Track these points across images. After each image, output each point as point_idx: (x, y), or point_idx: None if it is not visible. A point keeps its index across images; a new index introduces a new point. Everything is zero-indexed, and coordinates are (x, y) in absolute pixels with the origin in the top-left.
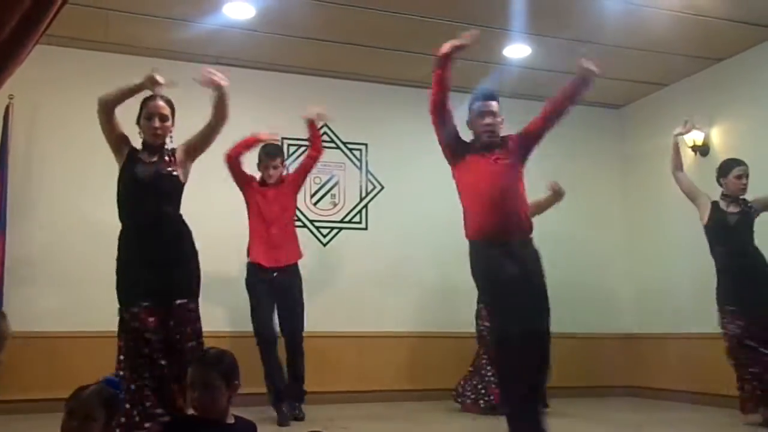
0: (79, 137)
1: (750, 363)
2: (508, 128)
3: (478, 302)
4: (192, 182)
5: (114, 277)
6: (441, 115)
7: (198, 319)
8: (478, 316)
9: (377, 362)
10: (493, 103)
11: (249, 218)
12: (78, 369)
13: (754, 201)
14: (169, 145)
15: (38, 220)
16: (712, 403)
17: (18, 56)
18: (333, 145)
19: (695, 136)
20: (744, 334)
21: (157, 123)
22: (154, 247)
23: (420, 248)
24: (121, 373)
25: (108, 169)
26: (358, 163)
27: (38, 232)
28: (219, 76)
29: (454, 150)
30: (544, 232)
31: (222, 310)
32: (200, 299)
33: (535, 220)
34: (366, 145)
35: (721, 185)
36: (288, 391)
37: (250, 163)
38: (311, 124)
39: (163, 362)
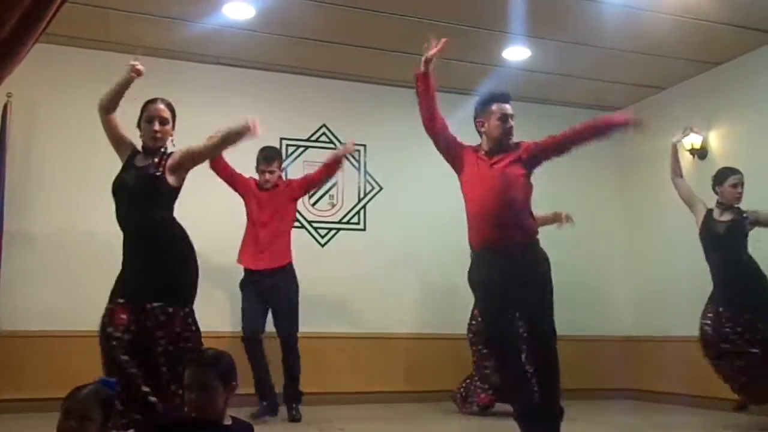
0: (78, 137)
1: (732, 358)
2: None
3: (474, 306)
4: (192, 183)
5: (111, 277)
6: (432, 128)
7: (180, 323)
8: (471, 318)
9: (375, 363)
10: (509, 106)
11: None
12: (74, 368)
13: (749, 212)
14: (170, 149)
15: (36, 219)
16: (711, 406)
17: (17, 55)
18: (332, 146)
19: (693, 140)
20: (723, 333)
21: (156, 126)
22: (138, 249)
23: (418, 249)
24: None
25: (107, 169)
26: (356, 164)
27: (36, 231)
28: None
29: (453, 158)
30: (543, 234)
31: (221, 311)
32: (201, 300)
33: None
34: (364, 146)
35: (716, 193)
36: (285, 393)
37: (248, 167)
38: (340, 157)
39: (125, 357)
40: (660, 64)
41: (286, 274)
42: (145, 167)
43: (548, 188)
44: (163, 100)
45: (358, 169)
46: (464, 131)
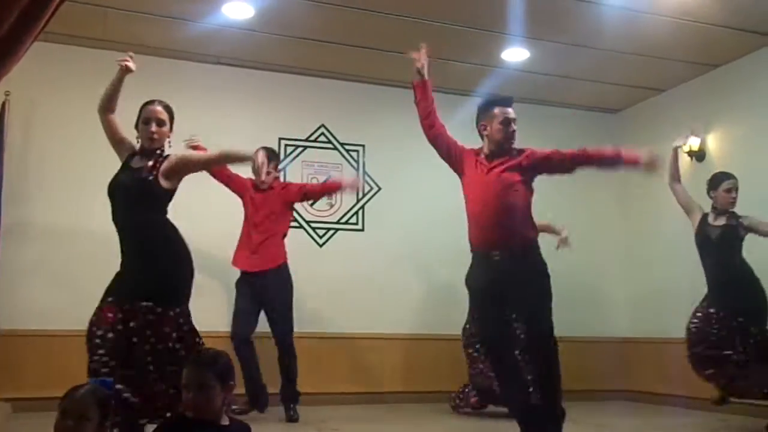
0: (76, 135)
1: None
2: None
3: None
4: (194, 182)
5: (110, 276)
6: (433, 135)
7: (170, 324)
8: (467, 321)
9: (372, 364)
10: (512, 110)
11: None
12: (73, 368)
13: (744, 217)
14: (168, 150)
15: (35, 219)
16: (708, 408)
17: (16, 53)
18: (330, 146)
19: (692, 142)
20: (708, 333)
21: (153, 127)
22: (130, 250)
23: (417, 250)
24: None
25: (106, 168)
26: (355, 164)
27: (35, 230)
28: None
29: (455, 162)
30: (540, 236)
31: (219, 311)
32: (200, 299)
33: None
34: (363, 146)
35: (711, 198)
36: (281, 393)
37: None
38: (341, 187)
39: (105, 359)
40: (659, 66)
41: (280, 274)
42: (139, 169)
43: (546, 190)
44: (160, 102)
45: (357, 170)
46: (464, 133)
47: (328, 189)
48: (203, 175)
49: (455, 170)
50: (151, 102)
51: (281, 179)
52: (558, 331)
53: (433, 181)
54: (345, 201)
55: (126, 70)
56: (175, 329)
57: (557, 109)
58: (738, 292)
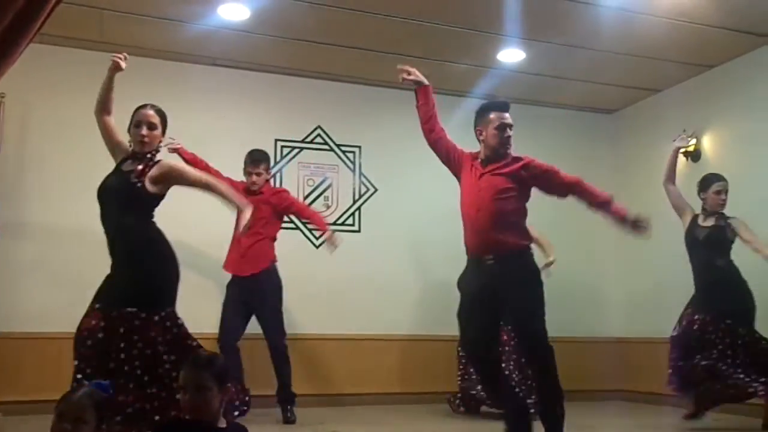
0: (72, 137)
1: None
2: None
3: None
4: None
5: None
6: (433, 140)
7: (156, 328)
8: None
9: (369, 365)
10: (509, 116)
11: None
12: (68, 371)
13: (733, 219)
14: (160, 155)
15: (32, 220)
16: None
17: (11, 55)
18: (326, 147)
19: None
20: (695, 338)
21: (144, 131)
22: (114, 253)
23: (413, 251)
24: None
25: (102, 169)
26: (351, 166)
27: (30, 232)
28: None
29: (454, 166)
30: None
31: (215, 313)
32: (196, 301)
33: (529, 225)
34: (359, 147)
35: (701, 199)
36: (278, 395)
37: (237, 171)
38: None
39: (82, 366)
40: (654, 66)
41: (269, 277)
42: (129, 173)
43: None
44: (153, 106)
45: (353, 171)
46: (460, 134)
47: (312, 222)
48: None
49: (454, 174)
50: (143, 106)
51: (276, 180)
52: (555, 332)
53: (429, 183)
54: (341, 202)
55: (116, 69)
56: (161, 333)
57: (553, 110)
58: (725, 293)
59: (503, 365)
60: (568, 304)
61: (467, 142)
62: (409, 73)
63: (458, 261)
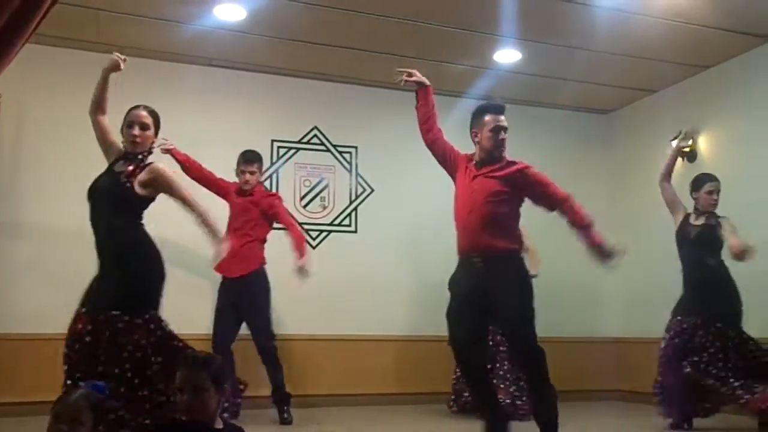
0: (69, 137)
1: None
2: None
3: None
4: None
5: None
6: (431, 140)
7: (140, 331)
8: None
9: (365, 365)
10: (504, 118)
11: None
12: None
13: (723, 218)
14: (152, 156)
15: (28, 221)
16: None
17: (7, 55)
18: (323, 147)
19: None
20: (682, 347)
21: (136, 131)
22: (99, 255)
23: (409, 251)
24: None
25: (98, 169)
26: (348, 166)
27: (26, 232)
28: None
29: (450, 167)
30: (532, 237)
31: (210, 314)
32: (194, 302)
33: (525, 225)
34: (356, 148)
35: (693, 198)
36: (272, 397)
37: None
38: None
39: (71, 371)
40: (650, 67)
41: (257, 279)
42: (119, 173)
43: None
44: (146, 107)
45: (350, 171)
46: (456, 134)
47: (294, 242)
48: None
49: (450, 175)
50: (136, 107)
51: (273, 181)
52: (550, 332)
53: (425, 183)
54: (338, 203)
55: (113, 68)
56: (145, 336)
57: (549, 110)
58: (715, 293)
59: (497, 365)
60: (564, 304)
61: (463, 143)
62: (410, 75)
63: (454, 262)
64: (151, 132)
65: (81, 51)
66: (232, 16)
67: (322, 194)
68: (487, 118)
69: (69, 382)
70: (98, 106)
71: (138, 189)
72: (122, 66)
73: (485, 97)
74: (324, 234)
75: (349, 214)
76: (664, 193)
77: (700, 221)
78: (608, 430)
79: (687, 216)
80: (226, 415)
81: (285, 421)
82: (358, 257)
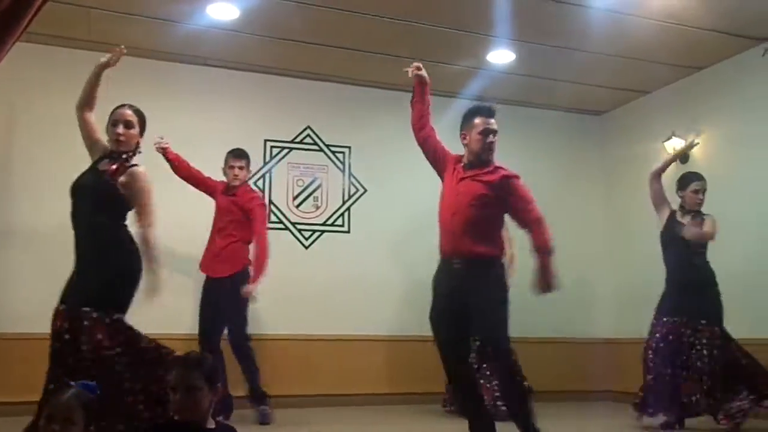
0: (60, 137)
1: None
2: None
3: None
4: (180, 185)
5: None
6: (422, 137)
7: (104, 332)
8: None
9: (358, 365)
10: (494, 121)
11: None
12: None
13: (708, 216)
14: (137, 158)
15: (21, 220)
16: None
17: None
18: (316, 147)
19: (676, 144)
20: (667, 344)
21: (121, 129)
22: (77, 252)
23: (402, 251)
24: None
25: None
26: (341, 166)
27: (20, 232)
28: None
29: (439, 167)
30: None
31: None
32: (181, 301)
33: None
34: (349, 148)
35: (679, 197)
36: (250, 399)
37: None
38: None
39: (52, 367)
40: (643, 68)
41: (241, 280)
42: (103, 172)
43: (531, 190)
44: (131, 106)
45: (343, 171)
46: (449, 135)
47: (256, 247)
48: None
49: (439, 174)
50: (121, 105)
51: (266, 181)
52: (543, 333)
53: (418, 183)
54: (331, 203)
55: (108, 65)
56: (107, 337)
57: (543, 111)
58: (702, 293)
59: (484, 365)
60: (557, 305)
61: (456, 144)
62: (419, 68)
63: None
64: (135, 131)
65: (72, 49)
66: (225, 15)
67: (315, 194)
68: (477, 120)
69: (51, 386)
70: (87, 103)
71: (120, 189)
72: (114, 58)
73: (479, 98)
74: (317, 234)
75: (342, 214)
76: (652, 188)
77: (687, 220)
78: (600, 430)
79: (673, 214)
80: (220, 418)
81: (263, 421)
82: (351, 257)
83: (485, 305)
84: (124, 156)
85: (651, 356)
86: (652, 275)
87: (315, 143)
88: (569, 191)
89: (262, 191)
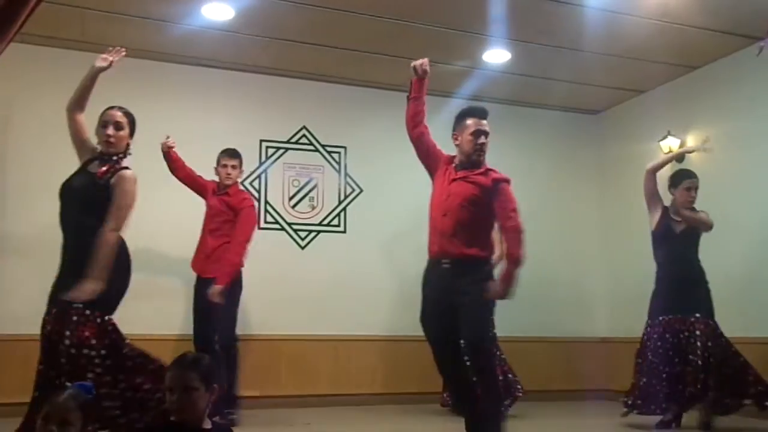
0: (55, 137)
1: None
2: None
3: None
4: (174, 184)
5: None
6: (416, 134)
7: (90, 328)
8: None
9: (354, 365)
10: (486, 122)
11: None
12: None
13: (701, 212)
14: (127, 160)
15: (15, 221)
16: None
17: None
18: (312, 147)
19: (671, 143)
20: (665, 343)
21: (110, 131)
22: (65, 254)
23: (399, 251)
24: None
25: None
26: (336, 166)
27: (14, 233)
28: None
29: (430, 165)
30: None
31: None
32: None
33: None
34: (345, 148)
35: (672, 194)
36: (223, 400)
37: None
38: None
39: (41, 367)
40: (639, 67)
41: (233, 282)
42: (94, 174)
43: (527, 191)
44: (120, 108)
45: (339, 171)
46: (445, 135)
47: (231, 248)
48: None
49: (430, 173)
50: (111, 107)
51: (261, 181)
52: (538, 332)
53: (414, 183)
54: (327, 203)
55: (104, 69)
56: (95, 335)
57: (538, 111)
58: (697, 290)
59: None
60: (552, 304)
61: (451, 144)
62: (425, 63)
63: None
64: (125, 132)
65: (66, 50)
66: (220, 16)
67: (310, 194)
68: (469, 121)
69: (35, 395)
70: (78, 104)
71: (109, 190)
72: (108, 59)
73: (474, 97)
74: (313, 234)
75: (338, 215)
76: (647, 183)
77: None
78: (595, 428)
79: (666, 210)
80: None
81: (232, 424)
82: (347, 257)
83: (471, 304)
84: (114, 158)
85: (649, 357)
86: (648, 274)
87: (311, 143)
88: (565, 190)
89: (258, 191)
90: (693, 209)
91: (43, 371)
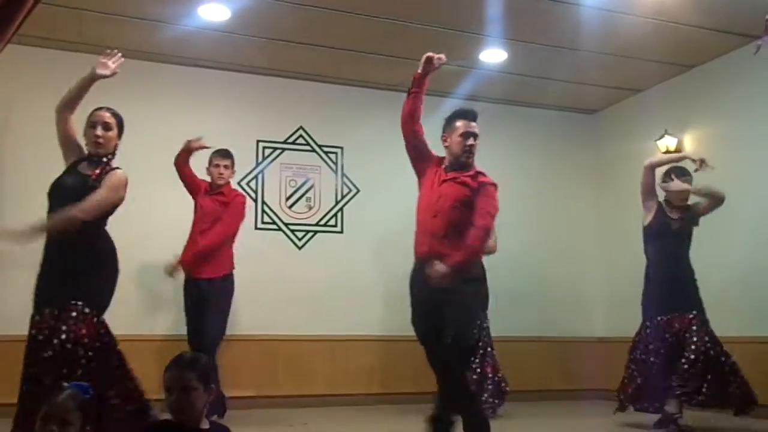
0: (52, 140)
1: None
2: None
3: None
4: (173, 182)
5: None
6: (410, 130)
7: (88, 328)
8: None
9: (351, 366)
10: (476, 125)
11: None
12: None
13: (696, 204)
14: (116, 161)
15: (9, 221)
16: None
17: None
18: (308, 148)
19: (668, 142)
20: (664, 342)
21: (99, 131)
22: (55, 252)
23: (395, 251)
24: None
25: None
26: (333, 167)
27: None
28: None
29: (420, 165)
30: (518, 237)
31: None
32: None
33: (511, 226)
34: (342, 148)
35: (664, 190)
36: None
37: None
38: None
39: (32, 370)
40: (636, 66)
41: (225, 282)
42: (86, 176)
43: (525, 191)
44: (109, 109)
45: (335, 172)
46: (439, 134)
47: (208, 238)
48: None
49: (417, 172)
50: (99, 108)
51: (258, 182)
52: (536, 332)
53: (411, 183)
54: (323, 203)
55: (103, 76)
56: (89, 333)
57: (535, 110)
58: (690, 288)
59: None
60: (549, 304)
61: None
62: (442, 58)
63: None
64: (113, 133)
65: (63, 51)
66: (216, 16)
67: (307, 194)
68: (459, 123)
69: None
70: (70, 106)
71: None
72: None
73: (471, 97)
74: (310, 234)
75: (335, 215)
76: (644, 178)
77: (677, 214)
78: (593, 429)
79: (661, 205)
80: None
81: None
82: (344, 257)
83: (459, 304)
84: (104, 159)
85: (648, 357)
86: (644, 274)
87: (307, 143)
88: (561, 190)
89: (255, 192)
90: (687, 206)
91: (27, 370)
